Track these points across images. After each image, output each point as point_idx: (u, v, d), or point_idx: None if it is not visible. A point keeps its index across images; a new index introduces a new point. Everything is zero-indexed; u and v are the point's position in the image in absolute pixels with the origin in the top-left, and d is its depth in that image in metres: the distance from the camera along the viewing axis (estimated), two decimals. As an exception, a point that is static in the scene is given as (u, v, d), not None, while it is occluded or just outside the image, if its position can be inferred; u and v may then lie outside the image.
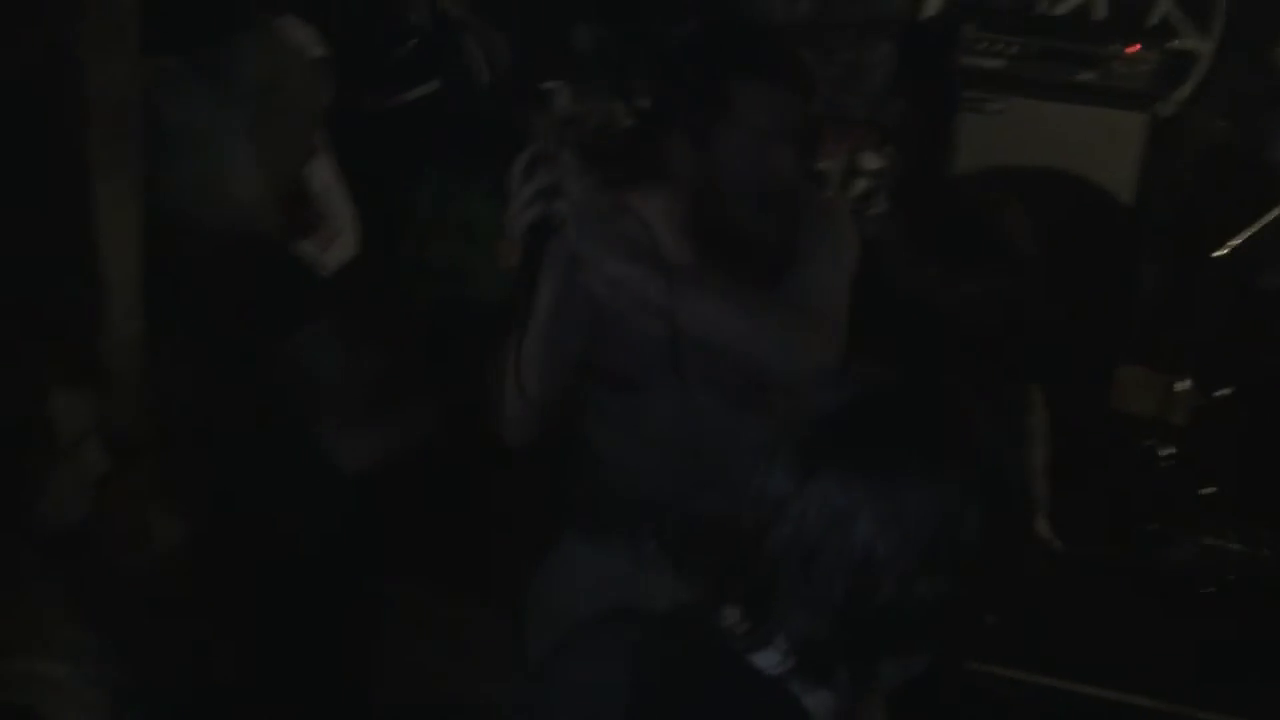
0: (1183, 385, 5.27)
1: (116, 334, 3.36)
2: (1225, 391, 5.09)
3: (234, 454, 3.51)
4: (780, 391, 2.59)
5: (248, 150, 3.82)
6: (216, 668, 3.37)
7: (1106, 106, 5.82)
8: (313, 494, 3.69)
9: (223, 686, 3.37)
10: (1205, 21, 6.49)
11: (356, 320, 4.23)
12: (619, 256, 2.46)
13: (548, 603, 2.88)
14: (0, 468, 3.05)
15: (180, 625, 3.25)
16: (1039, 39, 5.83)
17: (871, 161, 5.55)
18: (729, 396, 2.70)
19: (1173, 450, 5.15)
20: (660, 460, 2.76)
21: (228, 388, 3.55)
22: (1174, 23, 6.47)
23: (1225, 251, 4.71)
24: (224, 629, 3.39)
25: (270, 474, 3.58)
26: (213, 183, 3.79)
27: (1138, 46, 5.81)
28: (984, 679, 4.00)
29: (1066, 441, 3.82)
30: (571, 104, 5.50)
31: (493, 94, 5.34)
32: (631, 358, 2.70)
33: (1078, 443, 3.75)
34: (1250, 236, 4.73)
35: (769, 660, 1.63)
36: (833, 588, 1.56)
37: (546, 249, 2.42)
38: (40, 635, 2.88)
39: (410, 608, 4.19)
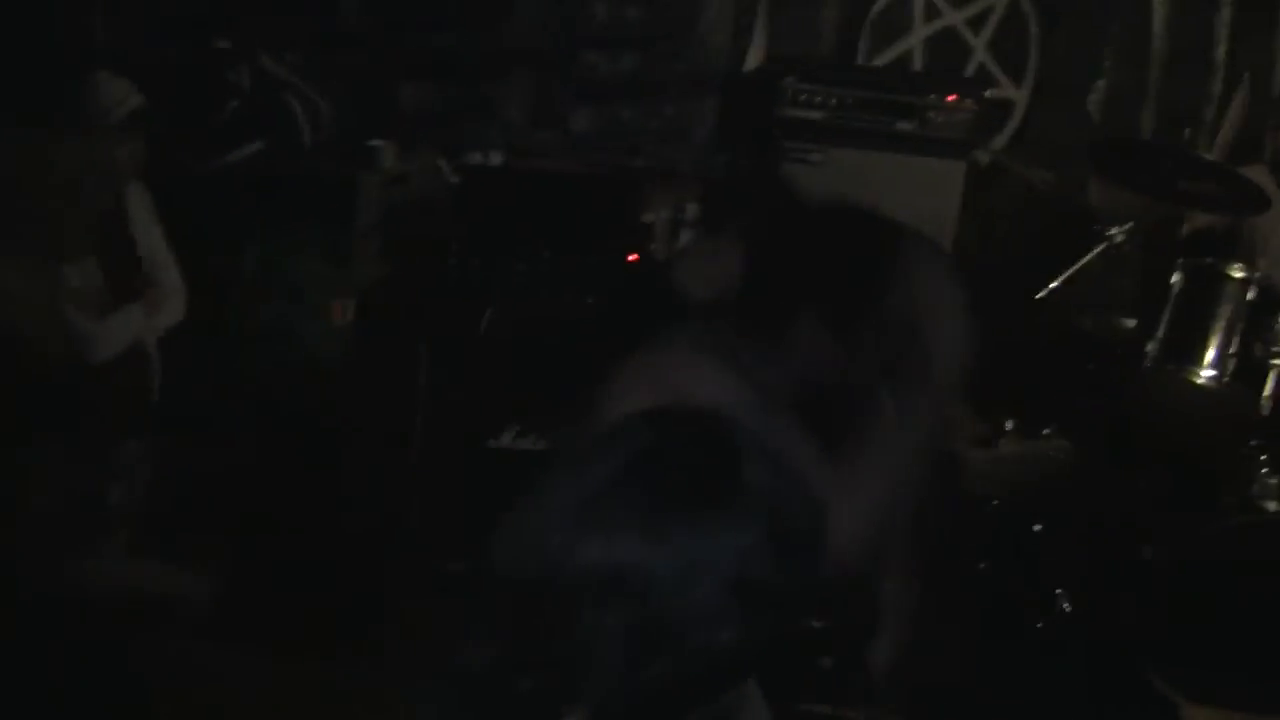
0: (1008, 426, 5.39)
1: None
2: (1048, 431, 5.20)
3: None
4: None
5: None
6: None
7: (926, 155, 5.91)
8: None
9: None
10: (1020, 71, 6.68)
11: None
12: None
13: None
14: None
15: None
16: (858, 90, 5.91)
17: (696, 214, 5.58)
18: None
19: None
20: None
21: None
22: (990, 72, 6.63)
23: (1044, 294, 4.82)
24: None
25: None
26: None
27: (955, 96, 5.93)
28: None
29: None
30: (397, 162, 5.49)
31: (317, 154, 5.31)
32: None
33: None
34: (1068, 279, 4.85)
35: None
36: (620, 647, 1.53)
37: None
38: None
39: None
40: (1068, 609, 4.91)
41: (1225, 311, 4.66)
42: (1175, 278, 4.73)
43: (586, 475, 1.59)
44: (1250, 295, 4.64)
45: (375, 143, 5.54)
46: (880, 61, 6.61)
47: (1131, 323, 5.12)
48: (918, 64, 6.65)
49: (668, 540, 1.54)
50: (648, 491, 1.57)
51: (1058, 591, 4.90)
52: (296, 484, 4.74)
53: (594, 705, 1.56)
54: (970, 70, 6.65)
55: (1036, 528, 5.12)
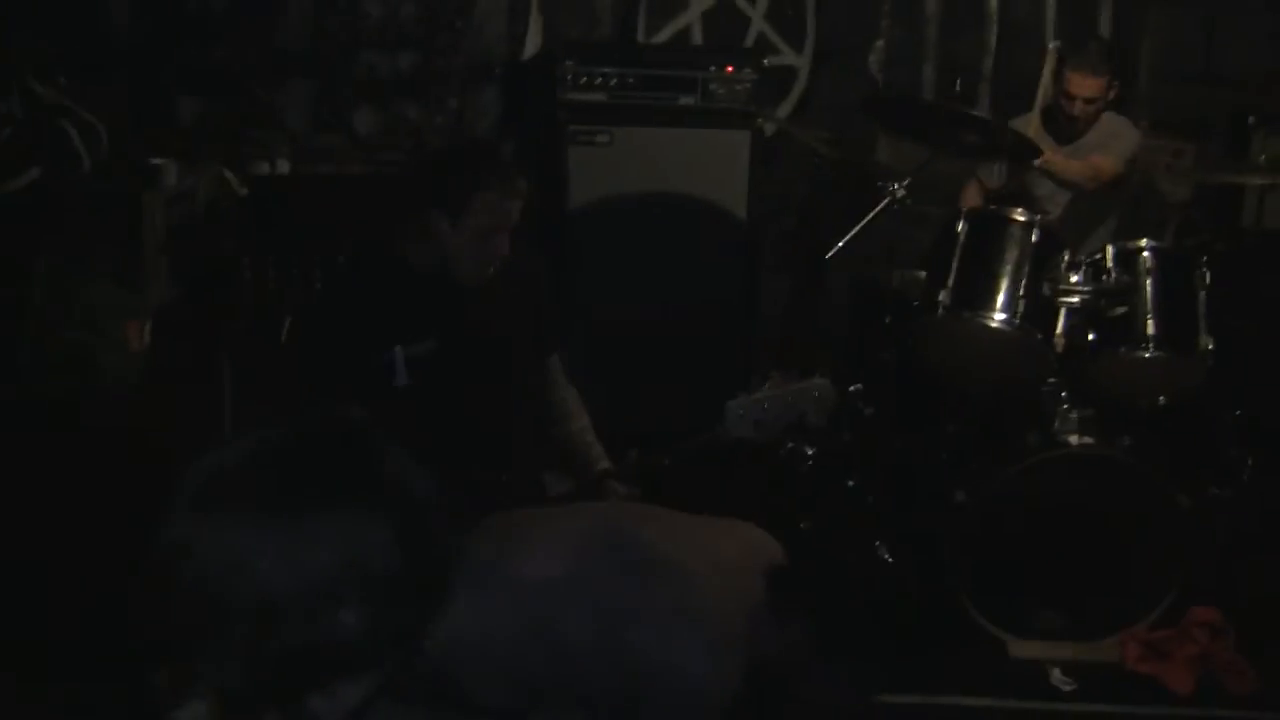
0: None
1: None
2: (857, 387, 5.27)
3: None
4: None
5: None
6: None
7: (711, 128, 5.96)
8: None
9: None
10: (798, 37, 6.74)
11: None
12: None
13: None
14: None
15: None
16: (638, 68, 5.92)
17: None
18: None
19: (816, 449, 5.31)
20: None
21: None
22: (770, 41, 6.69)
23: (834, 252, 4.87)
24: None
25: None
26: None
27: (733, 68, 5.95)
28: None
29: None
30: (180, 178, 5.40)
31: (97, 176, 5.19)
32: None
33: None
34: (855, 235, 4.90)
35: (195, 714, 1.60)
36: (237, 632, 1.52)
37: None
38: None
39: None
40: (888, 559, 4.99)
41: (1011, 255, 4.75)
42: (960, 226, 4.82)
43: (220, 455, 1.59)
44: (1034, 238, 4.74)
45: (156, 161, 5.45)
46: (659, 39, 6.63)
47: (922, 274, 5.19)
48: (697, 39, 6.68)
49: (283, 526, 1.54)
50: (271, 477, 1.57)
51: (876, 543, 4.97)
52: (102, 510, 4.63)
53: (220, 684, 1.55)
54: (750, 40, 6.70)
55: (850, 482, 5.19)
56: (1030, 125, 5.66)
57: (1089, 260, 4.78)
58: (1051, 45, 6.01)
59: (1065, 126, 5.70)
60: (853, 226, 4.95)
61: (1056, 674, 4.71)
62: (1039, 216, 4.93)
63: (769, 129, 6.42)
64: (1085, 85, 5.58)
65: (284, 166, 5.83)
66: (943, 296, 4.74)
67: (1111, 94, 5.66)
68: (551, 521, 3.09)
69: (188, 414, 5.06)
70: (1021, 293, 4.69)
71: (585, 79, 5.78)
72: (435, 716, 2.74)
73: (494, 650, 2.83)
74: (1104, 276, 4.74)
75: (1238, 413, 5.18)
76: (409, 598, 1.60)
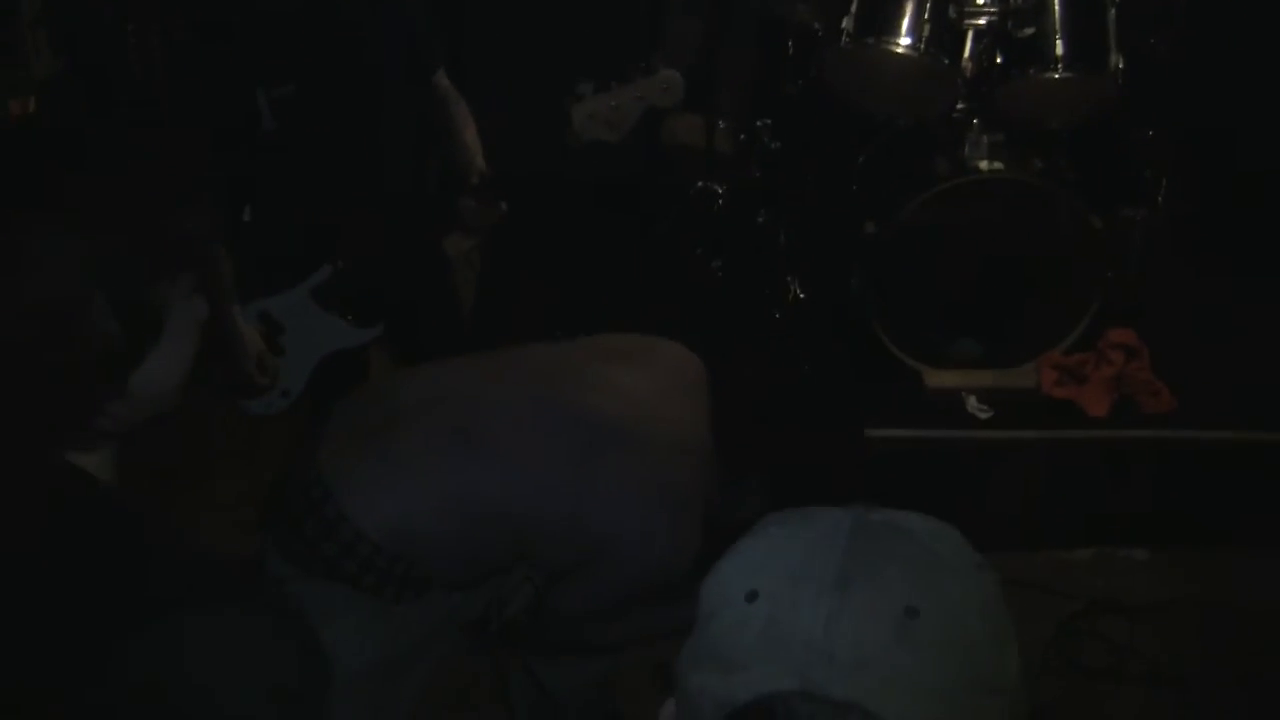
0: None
1: None
2: (764, 121, 5.17)
3: None
4: None
5: None
6: None
7: None
8: None
9: None
10: None
11: None
12: None
13: None
14: None
15: None
16: None
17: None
18: None
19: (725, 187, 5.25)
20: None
21: None
22: None
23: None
24: None
25: None
26: None
27: None
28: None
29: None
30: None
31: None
32: None
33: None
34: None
35: None
36: None
37: None
38: None
39: None
40: (801, 295, 4.96)
41: (916, -21, 4.62)
42: (863, -50, 4.67)
43: None
44: (937, -41, 4.61)
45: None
46: None
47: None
48: None
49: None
50: None
51: (789, 279, 4.93)
52: None
53: None
54: None
55: (760, 219, 5.13)
56: None
57: (996, -21, 4.65)
58: None
59: None
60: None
61: (973, 402, 4.73)
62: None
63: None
64: None
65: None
66: (845, 24, 4.63)
67: None
68: (489, 396, 3.00)
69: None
70: (926, 16, 4.57)
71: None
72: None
73: (450, 543, 2.85)
74: (1011, -4, 4.62)
75: (1150, 132, 5.10)
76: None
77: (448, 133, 3.94)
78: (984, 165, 4.70)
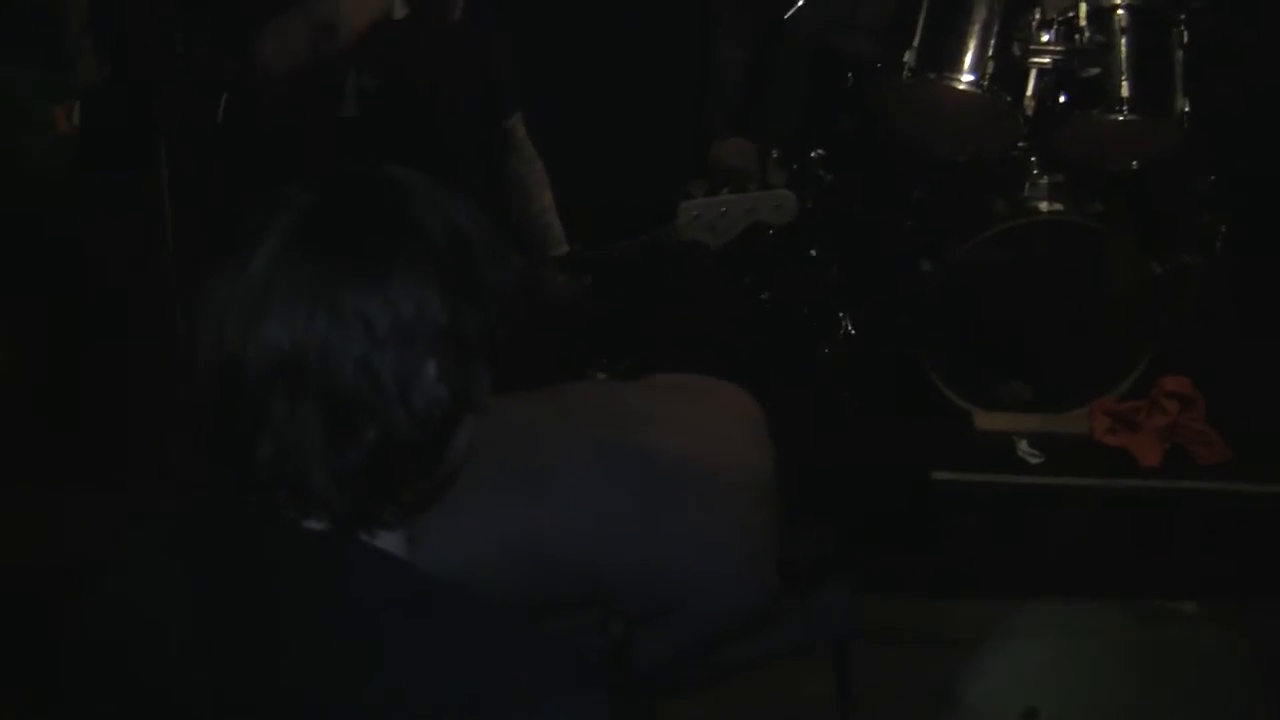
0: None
1: None
2: (818, 153, 5.11)
3: None
4: None
5: None
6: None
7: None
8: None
9: None
10: None
11: None
12: None
13: None
14: None
15: None
16: None
17: None
18: None
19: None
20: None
21: None
22: None
23: (792, 13, 4.69)
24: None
25: None
26: None
27: None
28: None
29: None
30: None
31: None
32: None
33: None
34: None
35: None
36: (322, 433, 1.40)
37: None
38: None
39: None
40: (852, 331, 4.90)
41: (979, 14, 4.57)
42: (925, -14, 4.62)
43: (253, 253, 1.42)
44: (1002, -4, 4.56)
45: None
46: None
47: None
48: None
49: (339, 305, 1.39)
50: (313, 258, 1.41)
51: (840, 315, 4.87)
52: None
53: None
54: None
55: (812, 253, 5.07)
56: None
57: (1061, 19, 4.58)
58: None
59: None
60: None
61: (1024, 446, 4.65)
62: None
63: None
64: None
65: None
66: (908, 58, 4.57)
67: None
68: (551, 438, 2.92)
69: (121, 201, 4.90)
70: (990, 53, 4.52)
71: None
72: None
73: (508, 586, 2.75)
74: (1077, 36, 4.56)
75: (1212, 178, 5.04)
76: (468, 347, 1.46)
77: (523, 192, 3.89)
78: (1044, 206, 4.65)
